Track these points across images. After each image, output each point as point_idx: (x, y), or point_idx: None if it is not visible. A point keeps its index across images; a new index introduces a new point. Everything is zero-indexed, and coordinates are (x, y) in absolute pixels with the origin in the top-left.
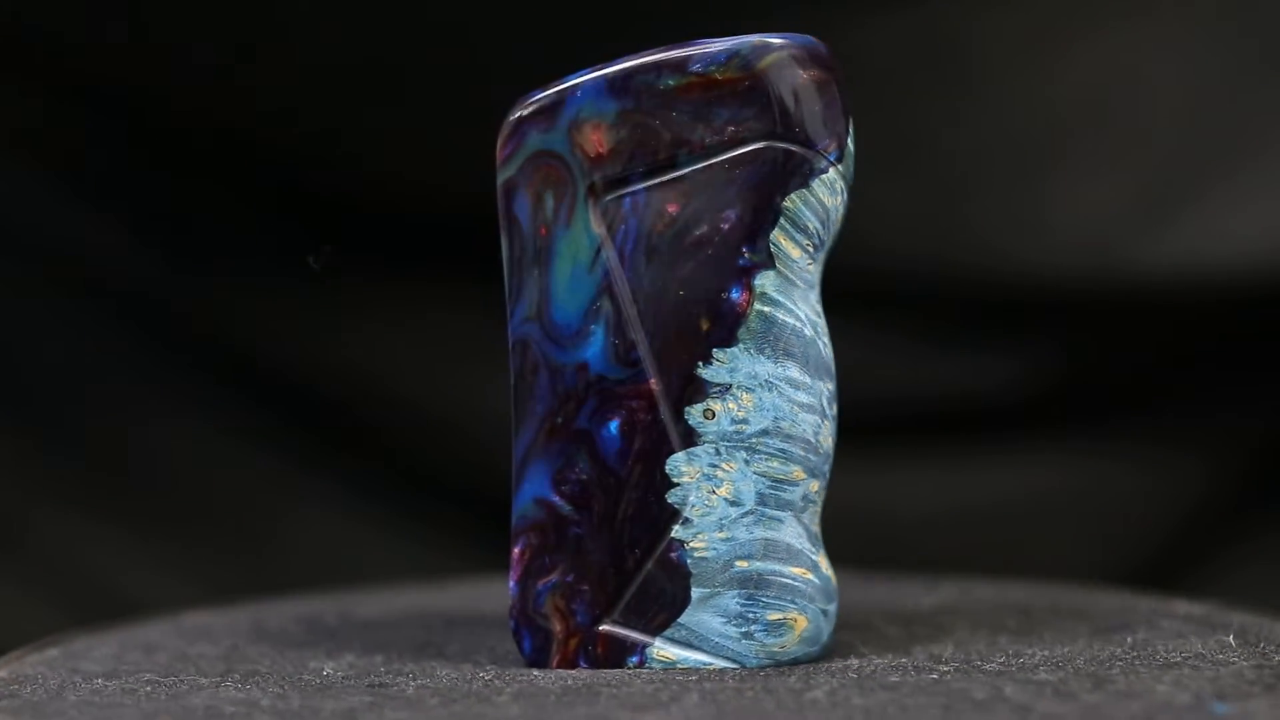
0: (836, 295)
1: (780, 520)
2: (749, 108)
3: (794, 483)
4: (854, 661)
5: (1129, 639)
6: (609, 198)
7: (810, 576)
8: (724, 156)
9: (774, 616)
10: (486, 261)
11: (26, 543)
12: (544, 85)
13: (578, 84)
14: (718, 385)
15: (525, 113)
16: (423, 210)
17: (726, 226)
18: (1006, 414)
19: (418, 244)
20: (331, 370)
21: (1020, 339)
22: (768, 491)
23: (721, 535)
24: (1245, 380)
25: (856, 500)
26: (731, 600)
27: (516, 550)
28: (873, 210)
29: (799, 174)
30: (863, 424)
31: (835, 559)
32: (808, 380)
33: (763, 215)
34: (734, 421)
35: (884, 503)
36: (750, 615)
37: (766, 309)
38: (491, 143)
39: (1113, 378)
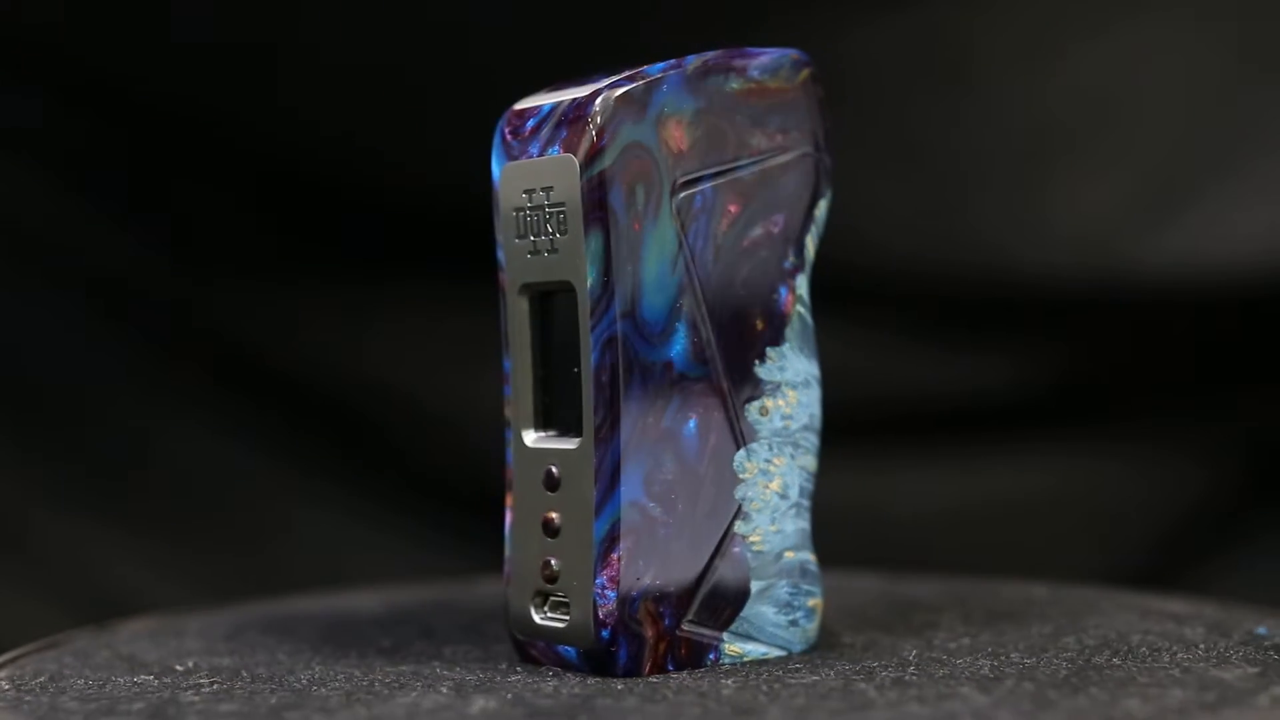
0: (837, 295)
1: (807, 510)
2: (793, 117)
3: (814, 474)
4: (850, 642)
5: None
6: (682, 195)
7: (817, 560)
8: (774, 162)
9: (811, 603)
10: (486, 262)
11: (26, 543)
12: (620, 72)
13: (661, 77)
14: (771, 383)
15: (619, 101)
16: (423, 210)
17: (776, 230)
18: (1006, 414)
19: (418, 244)
20: (331, 370)
21: (1020, 339)
22: (804, 484)
23: (773, 528)
24: (1245, 380)
25: (856, 500)
26: (782, 590)
27: (615, 556)
28: (873, 210)
29: (824, 182)
30: (863, 424)
31: (835, 559)
32: (820, 376)
33: (803, 221)
34: (783, 418)
35: (884, 503)
36: (795, 603)
37: (801, 310)
38: (488, 143)
39: (1113, 378)
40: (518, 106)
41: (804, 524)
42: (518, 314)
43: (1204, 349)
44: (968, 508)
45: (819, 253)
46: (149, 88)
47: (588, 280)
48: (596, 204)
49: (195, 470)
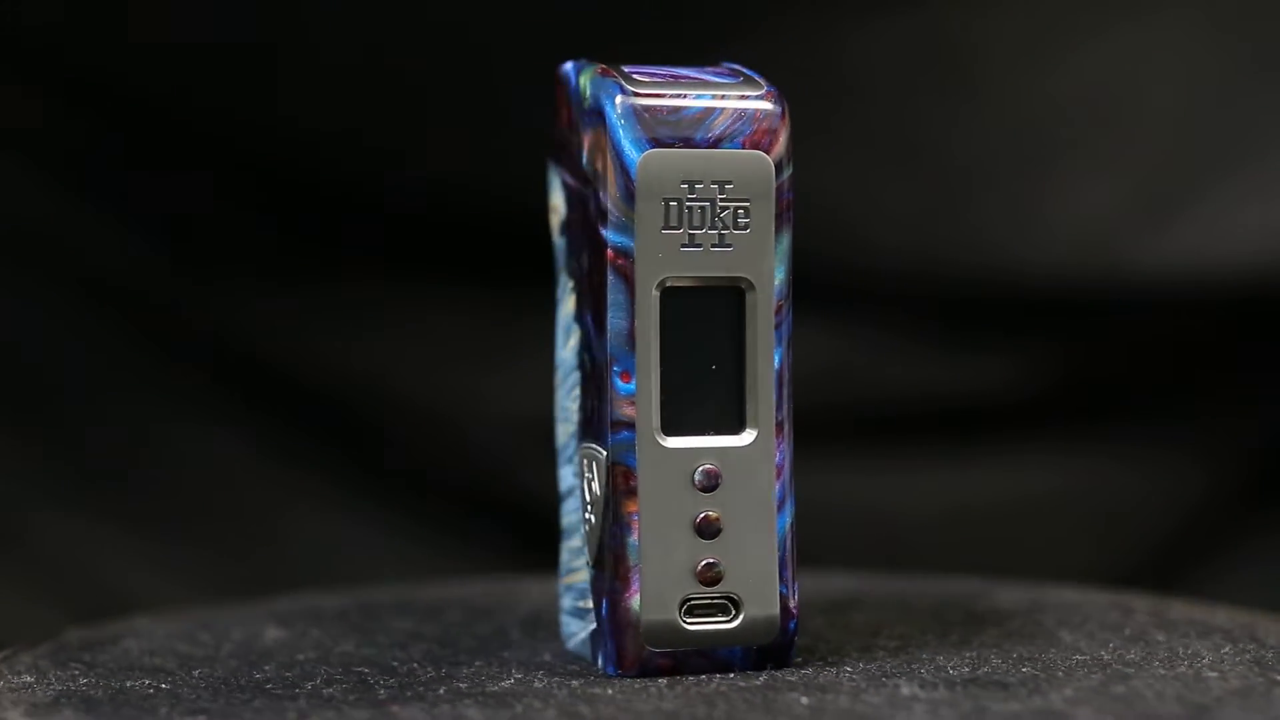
0: (837, 295)
1: None
2: None
3: None
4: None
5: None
6: None
7: None
8: None
9: None
10: (486, 262)
11: (26, 543)
12: (735, 70)
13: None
14: None
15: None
16: (423, 210)
17: None
18: (1006, 414)
19: (417, 244)
20: (331, 370)
21: (1020, 339)
22: None
23: None
24: (1245, 381)
25: (856, 500)
26: None
27: (794, 550)
28: (873, 210)
29: None
30: (863, 424)
31: (834, 559)
32: None
33: None
34: None
35: (884, 503)
36: None
37: None
38: (491, 144)
39: (1113, 378)
40: (645, 92)
41: None
42: (653, 308)
43: (1204, 349)
44: (968, 508)
45: (819, 251)
46: (149, 87)
47: (775, 279)
48: (788, 205)
49: (195, 470)
